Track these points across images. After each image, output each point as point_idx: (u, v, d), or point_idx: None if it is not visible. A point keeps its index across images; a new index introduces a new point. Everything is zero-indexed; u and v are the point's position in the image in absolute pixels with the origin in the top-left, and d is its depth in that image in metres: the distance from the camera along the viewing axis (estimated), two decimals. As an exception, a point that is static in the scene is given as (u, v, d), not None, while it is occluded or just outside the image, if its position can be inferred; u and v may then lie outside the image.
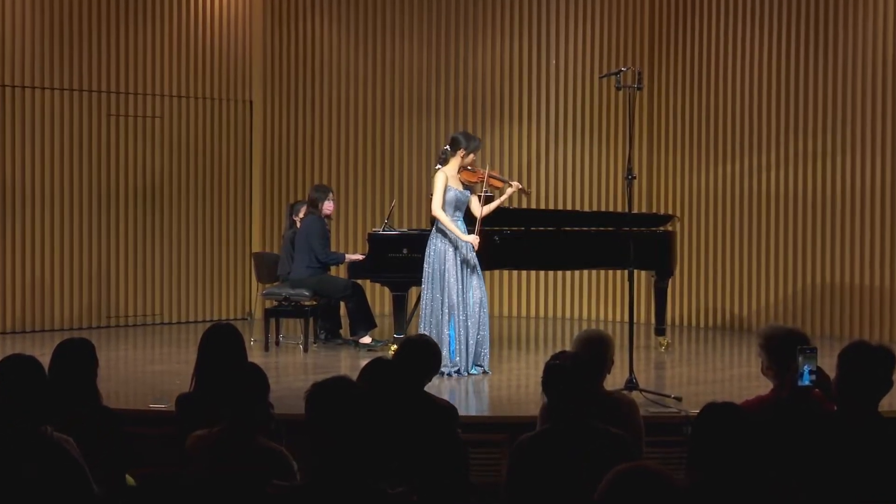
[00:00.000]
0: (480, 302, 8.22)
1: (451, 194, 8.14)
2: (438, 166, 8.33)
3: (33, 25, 10.87)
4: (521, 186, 8.57)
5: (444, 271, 8.13)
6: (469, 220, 8.30)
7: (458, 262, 8.15)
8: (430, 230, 8.35)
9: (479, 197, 8.36)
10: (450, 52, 12.47)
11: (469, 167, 8.30)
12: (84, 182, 11.18)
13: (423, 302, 8.27)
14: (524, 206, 11.57)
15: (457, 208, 8.20)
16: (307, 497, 3.36)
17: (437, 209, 8.11)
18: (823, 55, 10.65)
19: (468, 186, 8.31)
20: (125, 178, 11.39)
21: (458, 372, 8.10)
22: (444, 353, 8.01)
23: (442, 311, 8.11)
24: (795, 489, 3.65)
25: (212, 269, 11.97)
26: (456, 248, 8.16)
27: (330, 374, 3.66)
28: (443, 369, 7.97)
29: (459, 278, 8.13)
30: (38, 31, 10.89)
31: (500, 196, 8.47)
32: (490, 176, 8.41)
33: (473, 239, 8.11)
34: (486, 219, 8.38)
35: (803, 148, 10.80)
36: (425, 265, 8.24)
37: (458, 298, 8.11)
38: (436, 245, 8.20)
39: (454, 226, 8.13)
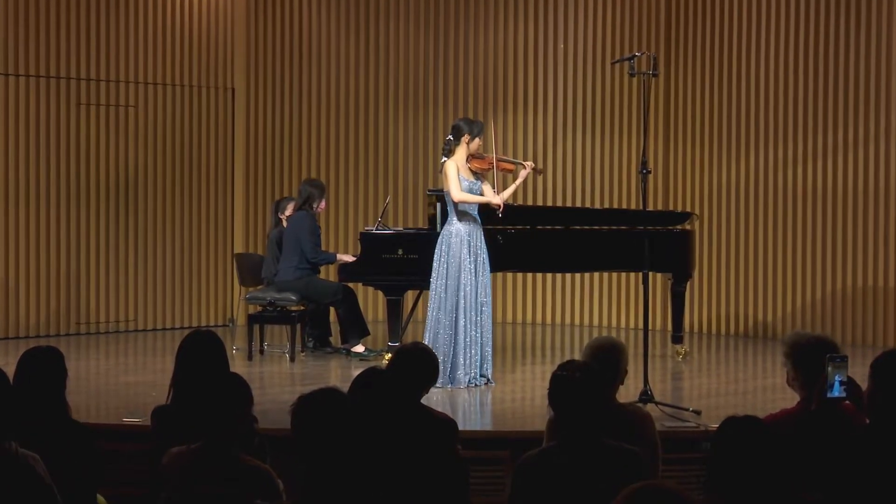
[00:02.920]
0: (485, 303, 8.30)
1: (463, 185, 8.29)
2: (444, 159, 8.39)
3: (-3, 7, 10.87)
4: (533, 165, 8.72)
5: (460, 270, 8.19)
6: (483, 210, 8.40)
7: (472, 261, 8.22)
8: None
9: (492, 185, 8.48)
10: (449, 36, 12.47)
11: (477, 154, 8.38)
12: (52, 177, 11.17)
13: (431, 305, 8.31)
14: (530, 202, 11.58)
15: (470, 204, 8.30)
16: (294, 519, 3.36)
17: (457, 194, 8.22)
18: (855, 39, 10.65)
19: (479, 176, 8.39)
20: (96, 173, 11.39)
21: (469, 380, 8.16)
22: (460, 360, 8.09)
23: (456, 313, 8.17)
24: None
25: (191, 271, 11.97)
26: (469, 245, 8.22)
27: (318, 386, 3.66)
28: (460, 376, 8.11)
29: (473, 277, 8.20)
30: (0, 13, 10.88)
31: (515, 179, 8.62)
32: (499, 160, 8.51)
33: (500, 199, 8.30)
34: (489, 218, 8.45)
35: (833, 140, 10.80)
36: (435, 263, 8.30)
37: (473, 299, 8.18)
38: (449, 242, 8.26)
39: (478, 197, 8.30)
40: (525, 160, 9.14)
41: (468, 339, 8.19)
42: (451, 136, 8.46)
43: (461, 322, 8.19)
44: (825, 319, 10.82)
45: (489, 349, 8.36)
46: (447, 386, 8.09)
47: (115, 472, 5.77)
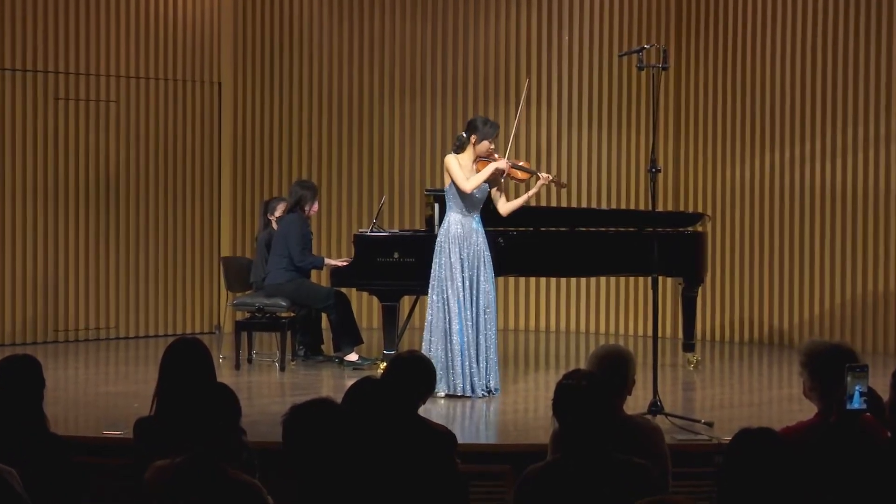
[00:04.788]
0: (489, 309, 8.29)
1: None
2: (452, 154, 8.35)
3: (-30, -4, 10.88)
4: (552, 178, 8.62)
5: (451, 271, 8.17)
6: (486, 216, 8.37)
7: (464, 259, 8.19)
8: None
9: (500, 187, 8.46)
10: (447, 27, 12.48)
11: (486, 157, 8.33)
12: (28, 175, 11.17)
13: (430, 309, 8.30)
14: (532, 203, 11.56)
15: (472, 205, 8.26)
16: (284, 537, 3.36)
17: (465, 184, 8.16)
18: (876, 29, 10.65)
19: (487, 179, 8.33)
20: (75, 171, 11.39)
21: (472, 389, 8.14)
22: (458, 366, 8.10)
23: (449, 316, 8.14)
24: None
25: (175, 275, 11.97)
26: (461, 245, 8.22)
27: (310, 396, 3.67)
28: (457, 383, 8.10)
29: (465, 278, 8.19)
30: (-25, 2, 10.90)
31: (528, 190, 8.59)
32: (512, 166, 8.46)
33: (503, 163, 8.26)
34: (489, 219, 8.45)
35: (853, 137, 10.80)
36: (434, 269, 8.28)
37: (468, 301, 8.17)
38: (441, 243, 8.26)
39: (485, 173, 8.22)
40: (542, 171, 9.01)
41: (464, 344, 8.16)
42: (463, 133, 8.42)
43: (454, 326, 8.16)
44: (844, 326, 10.83)
45: (494, 358, 8.33)
46: (442, 391, 8.07)
47: (96, 488, 5.77)
